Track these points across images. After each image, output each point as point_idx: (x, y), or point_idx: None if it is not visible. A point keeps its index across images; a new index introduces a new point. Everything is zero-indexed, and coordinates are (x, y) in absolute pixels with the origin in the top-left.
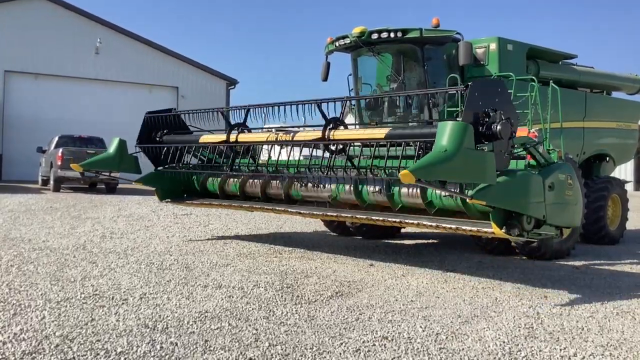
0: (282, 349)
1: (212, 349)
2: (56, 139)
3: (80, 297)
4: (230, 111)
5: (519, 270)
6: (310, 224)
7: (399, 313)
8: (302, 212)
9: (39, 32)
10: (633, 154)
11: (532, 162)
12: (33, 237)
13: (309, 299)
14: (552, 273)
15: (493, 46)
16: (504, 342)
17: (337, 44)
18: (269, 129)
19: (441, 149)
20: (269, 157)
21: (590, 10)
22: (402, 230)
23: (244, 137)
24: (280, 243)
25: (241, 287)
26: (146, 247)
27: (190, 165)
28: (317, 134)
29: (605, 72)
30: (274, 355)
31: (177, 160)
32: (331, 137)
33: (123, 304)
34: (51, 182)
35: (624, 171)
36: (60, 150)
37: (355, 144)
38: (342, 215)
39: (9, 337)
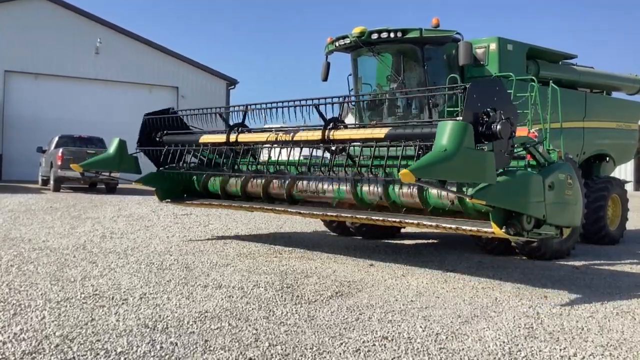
0: (282, 349)
1: (212, 349)
2: (56, 139)
3: (80, 297)
4: (230, 112)
5: (519, 270)
6: (310, 224)
7: (399, 313)
8: (302, 212)
9: (39, 32)
10: (633, 154)
11: (532, 161)
12: (33, 237)
13: (309, 299)
14: (552, 273)
15: (493, 46)
16: (504, 342)
17: (337, 44)
18: (269, 129)
19: (441, 148)
20: (269, 157)
21: (590, 10)
22: (402, 230)
23: (244, 137)
24: (280, 243)
25: (241, 287)
26: (146, 247)
27: (191, 166)
28: (317, 134)
29: (605, 72)
30: (274, 355)
31: (177, 160)
32: (331, 137)
33: (123, 304)
34: (51, 182)
35: (624, 171)
36: (61, 150)
37: (355, 143)
38: (342, 215)
39: (9, 337)
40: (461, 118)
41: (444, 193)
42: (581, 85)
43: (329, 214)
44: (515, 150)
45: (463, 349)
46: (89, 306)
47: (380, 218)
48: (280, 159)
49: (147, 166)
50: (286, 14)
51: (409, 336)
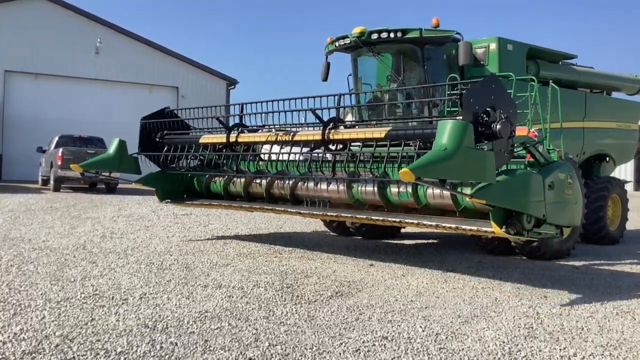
0: (282, 349)
1: (212, 348)
2: (56, 138)
3: (80, 297)
4: (228, 112)
5: (519, 270)
6: (310, 224)
7: (398, 313)
8: (302, 212)
9: (39, 32)
10: (633, 154)
11: (532, 161)
12: (33, 237)
13: (309, 299)
14: (552, 273)
15: (493, 46)
16: (503, 342)
17: (337, 44)
18: (269, 129)
19: (441, 147)
20: (269, 157)
21: (590, 10)
22: (402, 230)
23: (244, 137)
24: (280, 243)
25: (241, 287)
26: (146, 247)
27: (191, 166)
28: (317, 133)
29: (605, 72)
30: (273, 355)
31: (178, 160)
32: (331, 137)
33: (123, 303)
34: (51, 182)
35: (624, 171)
36: (61, 150)
37: (355, 143)
38: (342, 215)
39: (9, 337)
40: (461, 118)
41: (437, 192)
42: (581, 85)
43: (329, 214)
44: (515, 150)
45: (463, 349)
46: (89, 306)
47: (380, 218)
48: (280, 158)
49: (147, 166)
50: (286, 14)
51: (408, 336)
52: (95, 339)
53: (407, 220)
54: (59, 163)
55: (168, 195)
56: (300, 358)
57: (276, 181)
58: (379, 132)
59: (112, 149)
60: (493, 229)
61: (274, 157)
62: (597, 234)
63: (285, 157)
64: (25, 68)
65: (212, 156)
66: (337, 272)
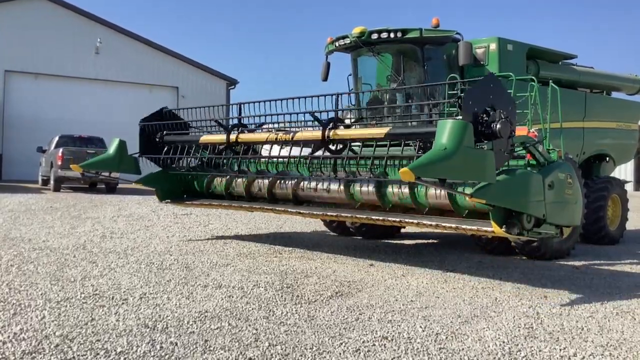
0: (282, 349)
1: (212, 348)
2: (56, 138)
3: (80, 297)
4: (227, 112)
5: (519, 270)
6: (310, 224)
7: (398, 313)
8: (302, 212)
9: (39, 32)
10: (633, 154)
11: (532, 161)
12: (33, 237)
13: (309, 299)
14: (552, 273)
15: (493, 46)
16: (503, 342)
17: (337, 44)
18: (269, 129)
19: (441, 147)
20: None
21: (590, 10)
22: (402, 230)
23: (244, 137)
24: (280, 243)
25: (241, 287)
26: (146, 247)
27: (191, 166)
28: (317, 133)
29: (605, 72)
30: (273, 355)
31: (178, 160)
32: (331, 137)
33: (123, 303)
34: (51, 181)
35: (624, 171)
36: (61, 150)
37: (355, 143)
38: (342, 215)
39: (9, 336)
40: (460, 117)
41: (434, 192)
42: (581, 85)
43: (329, 213)
44: (515, 150)
45: (463, 349)
46: (89, 306)
47: (380, 218)
48: (282, 158)
49: (148, 166)
50: (286, 14)
51: (408, 336)
52: (95, 338)
53: (407, 220)
54: (59, 163)
55: (168, 195)
56: (300, 358)
57: (278, 181)
58: (379, 132)
59: (112, 149)
60: (493, 228)
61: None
62: (597, 234)
63: (286, 157)
64: (25, 68)
65: (212, 156)
66: (337, 272)
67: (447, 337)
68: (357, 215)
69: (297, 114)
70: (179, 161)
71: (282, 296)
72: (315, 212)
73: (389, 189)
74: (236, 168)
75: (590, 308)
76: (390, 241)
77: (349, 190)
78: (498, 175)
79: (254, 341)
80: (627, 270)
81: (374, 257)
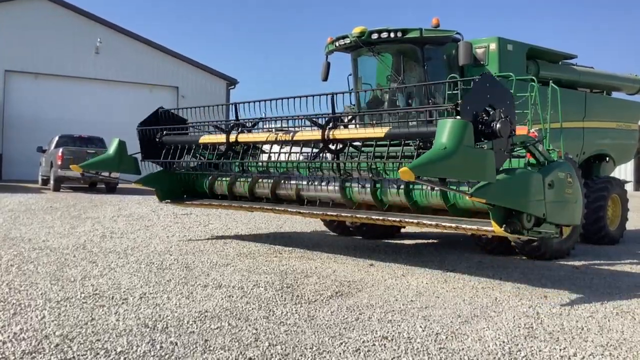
0: (282, 349)
1: (212, 348)
2: (56, 138)
3: (80, 296)
4: (227, 112)
5: (519, 270)
6: (310, 223)
7: (398, 313)
8: (302, 211)
9: (39, 31)
10: (633, 154)
11: (532, 160)
12: (33, 237)
13: (308, 298)
14: (552, 273)
15: (493, 46)
16: (503, 342)
17: (337, 44)
18: (269, 129)
19: (441, 146)
20: (269, 157)
21: (590, 10)
22: (402, 230)
23: (244, 137)
24: (280, 243)
25: (241, 287)
26: (146, 246)
27: (191, 166)
28: (317, 133)
29: (605, 72)
30: (273, 355)
31: (178, 159)
32: (331, 137)
33: (123, 303)
34: (51, 181)
35: (624, 171)
36: (61, 150)
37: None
38: (342, 215)
39: (8, 336)
40: (460, 103)
41: (427, 191)
42: (581, 85)
43: (329, 213)
44: (515, 149)
45: (463, 348)
46: (89, 306)
47: (380, 217)
48: (285, 159)
49: (148, 166)
50: (286, 13)
51: (408, 336)
52: (95, 338)
53: (407, 220)
54: (59, 163)
55: (168, 195)
56: (300, 358)
57: (281, 182)
58: (378, 132)
59: (111, 149)
60: (493, 228)
61: (274, 157)
62: (597, 234)
63: (286, 157)
64: (25, 68)
65: (212, 156)
66: (337, 272)
67: (447, 337)
68: (357, 215)
69: (295, 119)
70: (179, 160)
71: (282, 296)
72: (315, 212)
73: (385, 189)
74: (237, 169)
75: (590, 308)
76: (390, 241)
77: (345, 190)
78: (498, 174)
79: (254, 341)
80: (627, 270)
81: (374, 257)
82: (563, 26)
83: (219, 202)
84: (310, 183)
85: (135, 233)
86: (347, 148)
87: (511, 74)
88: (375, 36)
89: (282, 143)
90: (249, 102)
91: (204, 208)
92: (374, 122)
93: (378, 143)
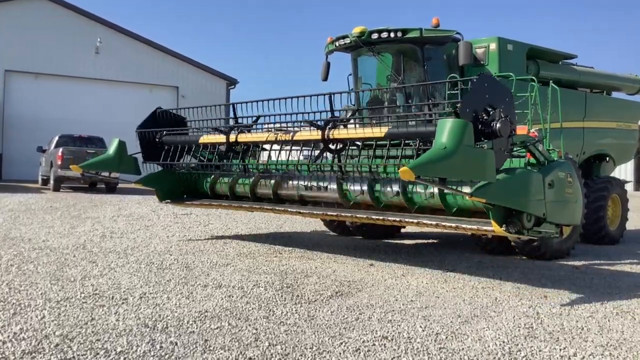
0: (282, 349)
1: (211, 348)
2: (56, 138)
3: (80, 296)
4: (227, 113)
5: (519, 270)
6: (310, 223)
7: (398, 313)
8: (302, 211)
9: (39, 31)
10: (633, 154)
11: (532, 160)
12: (33, 237)
13: (308, 298)
14: (552, 273)
15: (493, 46)
16: (503, 342)
17: (337, 44)
18: (269, 129)
19: (441, 146)
20: (269, 157)
21: (590, 10)
22: (402, 230)
23: (244, 137)
24: (280, 243)
25: (241, 287)
26: (146, 246)
27: (191, 167)
28: (317, 133)
29: (605, 72)
30: (273, 355)
31: (178, 159)
32: (331, 137)
33: (123, 303)
34: (51, 181)
35: (624, 171)
36: (60, 149)
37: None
38: (342, 215)
39: (8, 336)
40: (460, 105)
41: (424, 190)
42: (581, 85)
43: (329, 213)
44: (515, 149)
45: (463, 348)
46: (88, 306)
47: (381, 217)
48: (286, 159)
49: (148, 166)
50: (286, 14)
51: (408, 336)
52: (95, 338)
53: (407, 220)
54: (59, 163)
55: (168, 195)
56: (300, 358)
57: (283, 182)
58: (378, 132)
59: (111, 149)
60: (493, 227)
61: (274, 156)
62: (597, 234)
63: (286, 155)
64: (26, 68)
65: (212, 156)
66: (337, 272)
67: (447, 337)
68: (357, 215)
69: (294, 122)
70: (180, 161)
71: (282, 296)
72: (315, 212)
73: (382, 189)
74: (236, 168)
75: (590, 308)
76: (390, 241)
77: (342, 190)
78: (498, 174)
79: (254, 341)
80: (627, 270)
81: (374, 257)
82: (563, 26)
83: (218, 202)
84: (309, 183)
85: (135, 233)
86: (347, 148)
87: (511, 73)
88: (375, 36)
89: (282, 143)
90: (247, 102)
91: (204, 208)
92: (374, 122)
93: (377, 143)
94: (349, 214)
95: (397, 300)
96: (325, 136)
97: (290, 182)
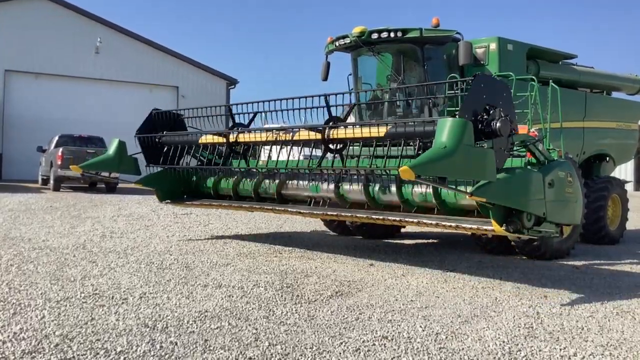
0: (282, 349)
1: (211, 348)
2: (56, 138)
3: (80, 296)
4: (227, 117)
5: (519, 270)
6: (310, 223)
7: (398, 313)
8: (302, 211)
9: (39, 31)
10: (633, 154)
11: (532, 159)
12: (33, 237)
13: (308, 298)
14: (552, 273)
15: (493, 46)
16: (503, 341)
17: (337, 44)
18: (269, 129)
19: (441, 145)
20: (269, 157)
21: (590, 10)
22: (402, 230)
23: (244, 137)
24: (280, 243)
25: (241, 287)
26: (146, 246)
27: (195, 167)
28: (317, 133)
29: (605, 72)
30: (273, 355)
31: (178, 160)
32: (331, 136)
33: (123, 303)
34: (51, 181)
35: (624, 171)
36: (60, 149)
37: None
38: (342, 214)
39: (8, 336)
40: (459, 109)
41: (417, 189)
42: (581, 85)
43: (329, 213)
44: (515, 148)
45: (463, 348)
46: (88, 305)
47: (381, 217)
48: (286, 159)
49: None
50: (286, 13)
51: (408, 336)
52: (95, 338)
53: (407, 220)
54: (59, 162)
55: (168, 195)
56: (300, 358)
57: (286, 182)
58: (378, 131)
59: (111, 149)
60: (493, 227)
61: (274, 155)
62: (597, 234)
63: (286, 152)
64: (26, 68)
65: (212, 156)
66: (337, 272)
67: (447, 337)
68: (357, 215)
69: (293, 127)
70: (180, 161)
71: (282, 296)
72: (315, 212)
73: (376, 188)
74: (237, 168)
75: (591, 308)
76: (390, 241)
77: (339, 190)
78: (498, 173)
79: (254, 341)
80: (627, 270)
81: (374, 257)
82: (563, 26)
83: (218, 202)
84: (312, 183)
85: (135, 233)
86: (347, 148)
87: (511, 73)
88: (375, 36)
89: (282, 143)
90: (245, 104)
91: (204, 208)
92: (374, 121)
93: (377, 143)
94: (349, 214)
95: (397, 300)
96: (326, 136)
97: (294, 182)
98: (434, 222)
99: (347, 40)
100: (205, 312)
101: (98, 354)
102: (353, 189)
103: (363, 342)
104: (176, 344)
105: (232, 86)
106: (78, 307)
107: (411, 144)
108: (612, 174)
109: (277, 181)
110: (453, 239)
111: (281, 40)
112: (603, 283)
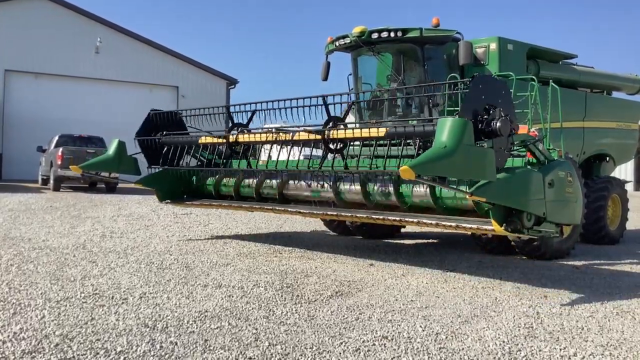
0: (282, 349)
1: (211, 348)
2: (56, 138)
3: (80, 296)
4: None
5: (519, 270)
6: (310, 223)
7: (398, 313)
8: (302, 211)
9: (39, 31)
10: (633, 154)
11: (532, 159)
12: (33, 237)
13: (308, 298)
14: (552, 273)
15: (493, 46)
16: (503, 341)
17: (337, 44)
18: (269, 129)
19: (441, 145)
20: (269, 157)
21: (590, 10)
22: (402, 230)
23: (244, 137)
24: (280, 243)
25: (241, 287)
26: (146, 246)
27: (192, 167)
28: (317, 133)
29: (605, 72)
30: (273, 355)
31: (178, 160)
32: (331, 136)
33: (123, 303)
34: (51, 181)
35: (624, 171)
36: (60, 149)
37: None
38: (342, 214)
39: (8, 336)
40: (459, 110)
41: (416, 190)
42: (581, 85)
43: (329, 213)
44: (515, 148)
45: (463, 348)
46: (88, 305)
47: (381, 217)
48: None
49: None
50: (286, 13)
51: (408, 336)
52: (95, 338)
53: (407, 219)
54: (59, 162)
55: (168, 195)
56: (300, 358)
57: (288, 182)
58: (376, 132)
59: (111, 149)
60: (493, 227)
61: (274, 155)
62: (597, 234)
63: (286, 152)
64: (26, 67)
65: (212, 157)
66: (337, 272)
67: (447, 337)
68: (357, 215)
69: (288, 109)
70: (180, 161)
71: (282, 296)
72: (315, 212)
73: (373, 187)
74: (236, 168)
75: (591, 308)
76: (390, 241)
77: (338, 190)
78: (498, 173)
79: (254, 341)
80: (627, 270)
81: (374, 257)
82: (563, 26)
83: (218, 202)
84: (313, 183)
85: (135, 233)
86: (347, 148)
87: (511, 73)
88: (375, 36)
89: (282, 143)
90: (243, 104)
91: (203, 208)
92: (374, 121)
93: (377, 143)
94: (349, 214)
95: (397, 300)
96: (326, 136)
97: (295, 182)
98: (434, 222)
99: (347, 40)
100: (205, 312)
101: (98, 354)
102: (353, 189)
103: (363, 342)
104: (176, 344)
105: (232, 86)
106: (78, 307)
107: (411, 143)
108: (612, 174)
109: (278, 181)
110: (453, 239)
111: (281, 40)
112: (603, 283)
